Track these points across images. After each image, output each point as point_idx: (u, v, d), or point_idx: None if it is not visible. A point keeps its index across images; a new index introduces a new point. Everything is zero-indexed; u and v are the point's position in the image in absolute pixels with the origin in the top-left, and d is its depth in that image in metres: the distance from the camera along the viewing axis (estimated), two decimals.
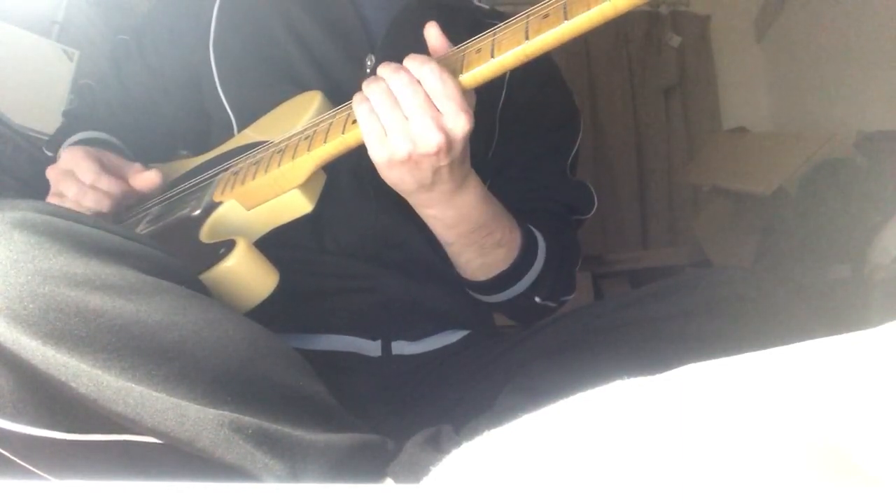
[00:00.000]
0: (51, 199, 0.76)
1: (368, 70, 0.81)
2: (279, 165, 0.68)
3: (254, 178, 0.70)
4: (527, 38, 0.58)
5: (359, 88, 0.63)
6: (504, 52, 0.59)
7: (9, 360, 0.43)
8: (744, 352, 0.37)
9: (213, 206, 0.72)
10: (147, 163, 0.88)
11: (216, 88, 0.84)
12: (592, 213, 0.90)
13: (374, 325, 0.79)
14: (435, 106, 0.59)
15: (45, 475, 0.47)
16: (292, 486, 0.44)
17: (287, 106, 0.78)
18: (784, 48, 2.23)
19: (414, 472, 0.47)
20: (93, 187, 0.74)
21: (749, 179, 1.81)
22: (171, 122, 0.92)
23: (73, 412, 0.45)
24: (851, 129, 1.60)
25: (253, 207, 0.71)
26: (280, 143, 0.72)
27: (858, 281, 1.34)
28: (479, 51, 0.61)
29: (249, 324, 0.52)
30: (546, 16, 0.57)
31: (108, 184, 0.75)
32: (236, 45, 0.85)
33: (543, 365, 0.63)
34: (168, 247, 0.57)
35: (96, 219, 0.53)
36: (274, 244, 0.69)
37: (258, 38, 0.84)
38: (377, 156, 0.62)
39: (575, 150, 0.92)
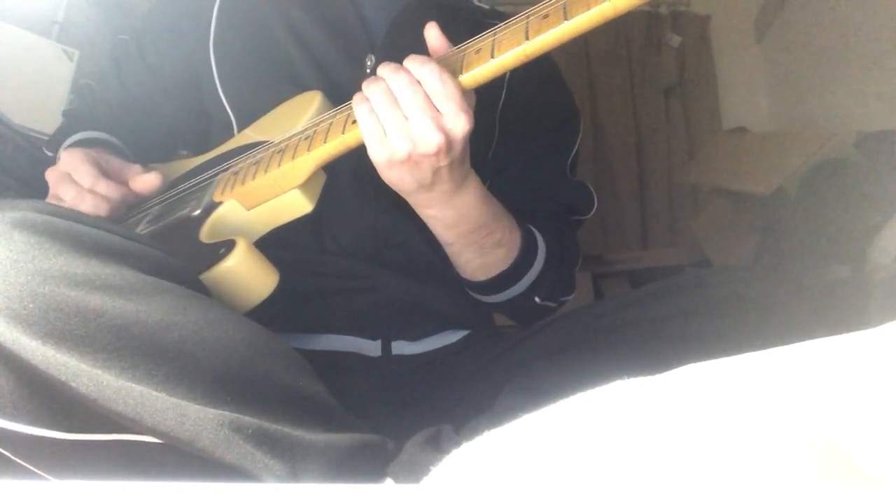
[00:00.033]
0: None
1: (368, 70, 0.81)
2: (279, 165, 0.68)
3: (254, 178, 0.70)
4: (527, 38, 0.58)
5: (359, 88, 0.63)
6: (504, 52, 0.59)
7: (9, 359, 0.43)
8: (744, 352, 0.37)
9: (213, 206, 0.72)
10: (147, 163, 0.88)
11: (216, 88, 0.84)
12: (592, 213, 0.90)
13: (374, 325, 0.79)
14: (435, 106, 0.59)
15: (45, 475, 0.47)
16: (292, 486, 0.44)
17: (287, 106, 0.78)
18: (784, 48, 2.23)
19: (414, 472, 0.47)
20: (91, 191, 0.74)
21: (749, 179, 1.81)
22: (171, 122, 0.92)
23: (73, 412, 0.45)
24: (851, 129, 1.60)
25: (253, 207, 0.71)
26: (280, 143, 0.72)
27: (858, 281, 1.34)
28: (478, 51, 0.61)
29: (249, 324, 0.52)
30: (546, 16, 0.57)
31: (106, 188, 0.75)
32: (236, 45, 0.85)
33: (543, 365, 0.64)
34: (168, 247, 0.57)
35: (96, 219, 0.54)
36: (274, 244, 0.69)
37: (258, 38, 0.84)
38: (377, 156, 0.62)
39: (575, 150, 0.92)
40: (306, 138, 0.68)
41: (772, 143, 1.95)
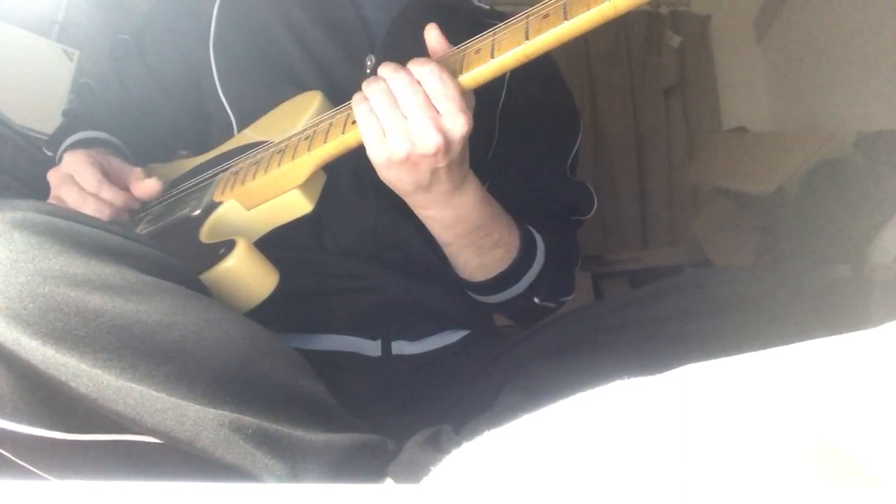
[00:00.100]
0: None
1: (368, 70, 0.81)
2: (279, 165, 0.68)
3: (254, 178, 0.70)
4: (527, 38, 0.58)
5: (359, 88, 0.63)
6: (504, 52, 0.59)
7: (9, 359, 0.43)
8: (744, 352, 0.37)
9: (213, 206, 0.72)
10: (147, 163, 0.88)
11: (216, 88, 0.84)
12: (592, 213, 0.90)
13: (374, 325, 0.79)
14: (434, 106, 0.59)
15: (45, 475, 0.47)
16: (292, 486, 0.44)
17: (287, 106, 0.78)
18: (784, 48, 2.23)
19: (414, 472, 0.47)
20: (94, 196, 0.74)
21: (749, 179, 1.81)
22: (171, 122, 0.92)
23: (73, 412, 0.45)
24: (851, 129, 1.60)
25: (253, 207, 0.71)
26: (280, 143, 0.72)
27: (858, 281, 1.34)
28: (478, 51, 0.61)
29: (249, 324, 0.52)
30: (546, 16, 0.57)
31: (110, 194, 0.75)
32: (236, 45, 0.85)
33: (543, 365, 0.63)
34: (168, 247, 0.57)
35: (96, 219, 0.54)
36: (274, 244, 0.69)
37: (258, 38, 0.84)
38: (376, 156, 0.62)
39: (575, 150, 0.92)
40: (306, 138, 0.68)
41: (772, 143, 1.95)
